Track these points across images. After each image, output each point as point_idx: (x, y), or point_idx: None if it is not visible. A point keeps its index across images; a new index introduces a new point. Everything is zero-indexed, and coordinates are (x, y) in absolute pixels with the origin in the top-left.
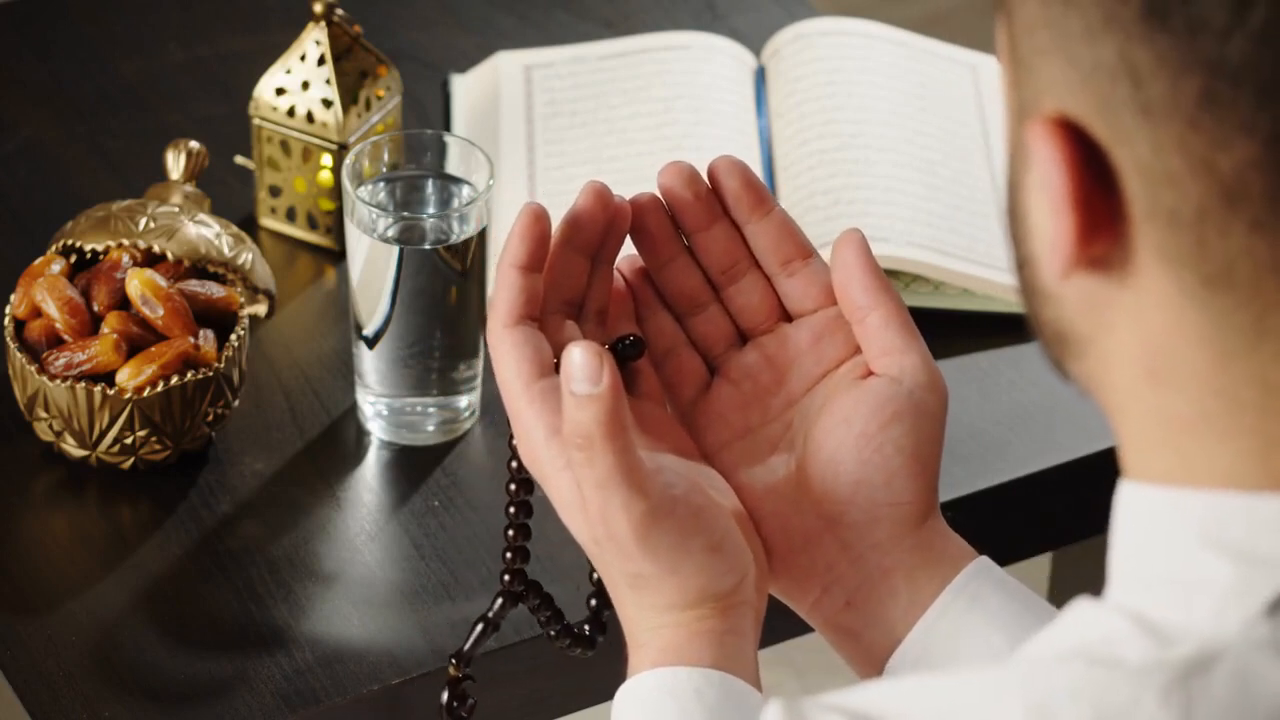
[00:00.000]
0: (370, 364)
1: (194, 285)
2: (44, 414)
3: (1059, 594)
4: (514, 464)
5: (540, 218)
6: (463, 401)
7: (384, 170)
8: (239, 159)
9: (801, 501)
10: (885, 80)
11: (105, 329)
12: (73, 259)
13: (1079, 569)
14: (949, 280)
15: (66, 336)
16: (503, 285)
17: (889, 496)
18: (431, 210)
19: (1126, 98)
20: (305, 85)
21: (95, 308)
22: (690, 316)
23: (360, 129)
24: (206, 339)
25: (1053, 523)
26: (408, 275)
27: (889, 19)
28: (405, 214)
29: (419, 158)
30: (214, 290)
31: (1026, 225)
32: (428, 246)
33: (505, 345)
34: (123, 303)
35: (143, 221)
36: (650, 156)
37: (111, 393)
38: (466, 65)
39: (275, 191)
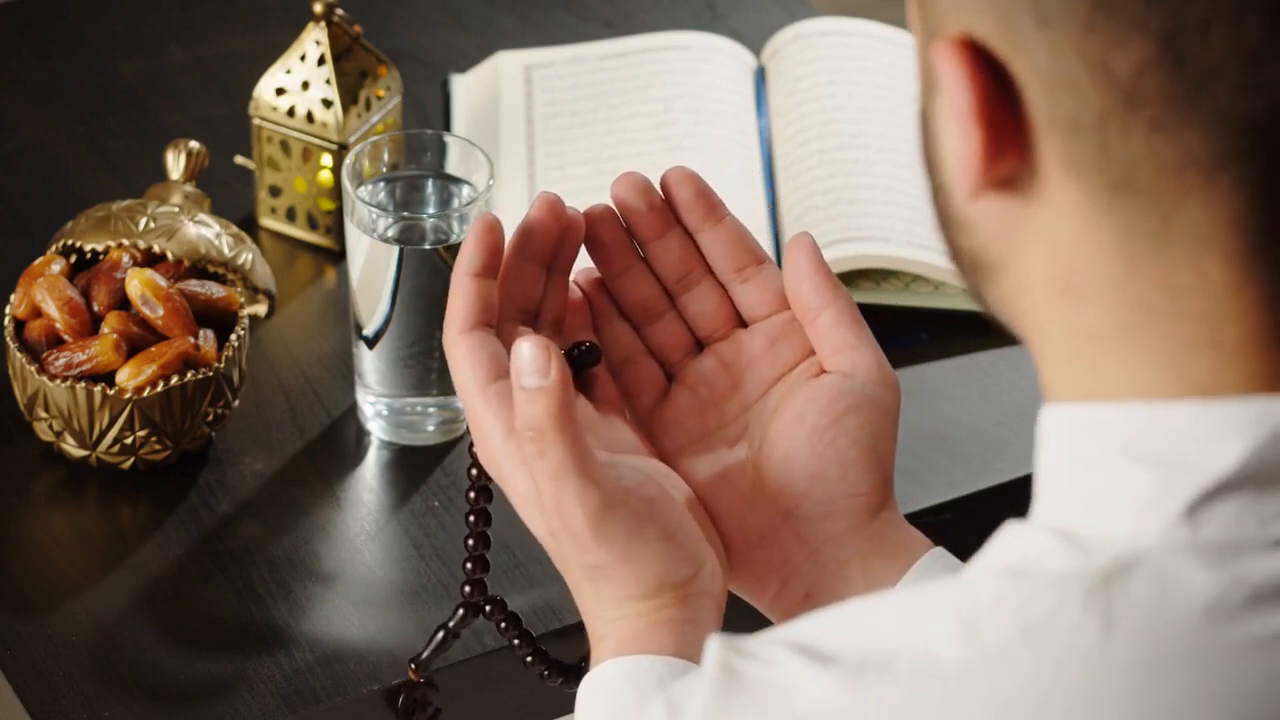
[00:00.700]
0: (370, 364)
1: (194, 285)
2: (44, 414)
3: None
4: (473, 471)
5: (494, 228)
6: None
7: (384, 170)
8: (239, 159)
9: (758, 498)
10: (885, 80)
11: (105, 329)
12: (73, 259)
13: None
14: (949, 280)
15: (66, 336)
16: (457, 292)
17: (844, 489)
18: (431, 210)
19: (1024, 6)
20: (305, 85)
21: (95, 308)
22: (647, 325)
23: (360, 129)
24: (206, 339)
25: None
26: (408, 275)
27: (889, 19)
28: (405, 214)
29: (419, 158)
30: (214, 290)
31: (938, 153)
32: (428, 246)
33: (461, 350)
34: (123, 303)
35: (143, 221)
36: (650, 156)
37: (111, 393)
38: (466, 65)
39: (275, 191)
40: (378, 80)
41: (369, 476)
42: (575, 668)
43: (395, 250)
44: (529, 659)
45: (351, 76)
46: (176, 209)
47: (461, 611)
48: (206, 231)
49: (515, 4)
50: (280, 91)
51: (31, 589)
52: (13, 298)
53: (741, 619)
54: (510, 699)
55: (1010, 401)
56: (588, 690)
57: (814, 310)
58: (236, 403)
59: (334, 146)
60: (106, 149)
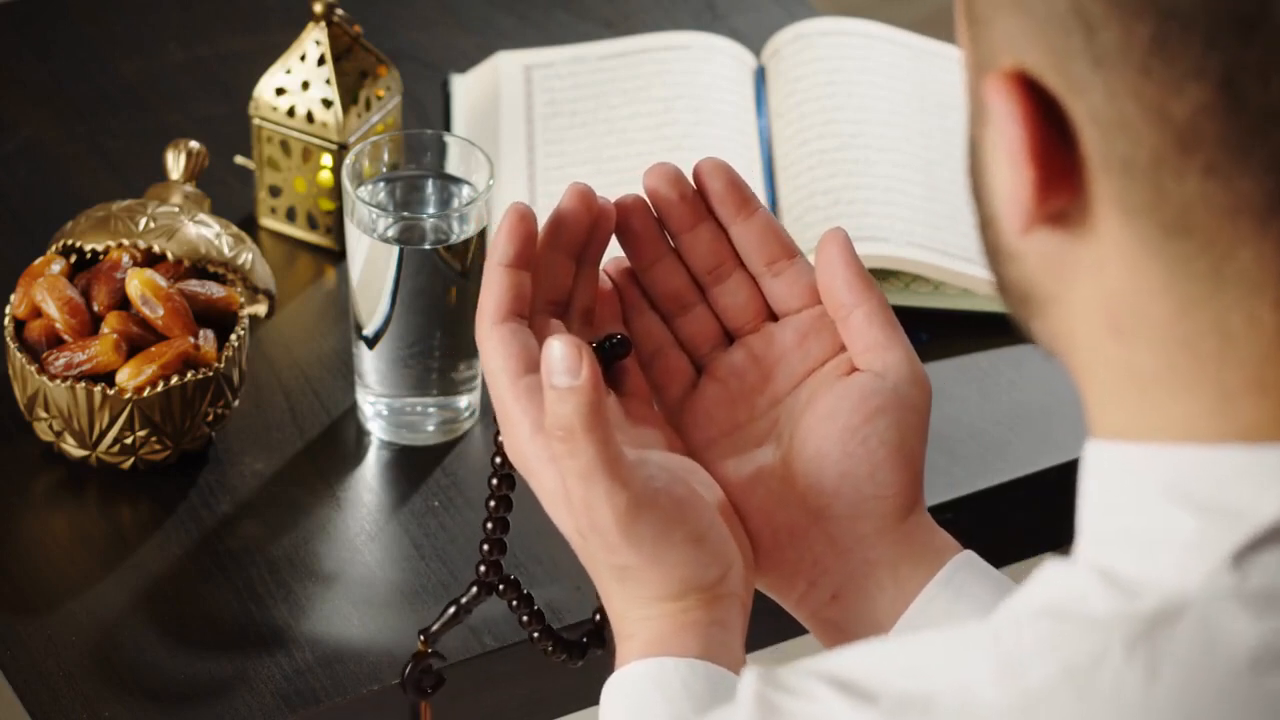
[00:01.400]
0: (370, 364)
1: (194, 285)
2: (44, 414)
3: None
4: (498, 459)
5: (526, 217)
6: (463, 401)
7: (384, 170)
8: (239, 159)
9: (787, 495)
10: (885, 80)
11: (105, 329)
12: (73, 259)
13: None
14: (949, 280)
15: (66, 336)
16: (490, 283)
17: (874, 489)
18: (431, 210)
19: (1080, 47)
20: (305, 85)
21: (95, 308)
22: (677, 317)
23: (360, 129)
24: (206, 339)
25: (1053, 523)
26: (408, 275)
27: (889, 19)
28: (405, 214)
29: (419, 158)
30: (214, 290)
31: (987, 184)
32: (428, 246)
33: (493, 341)
34: (123, 303)
35: (143, 221)
36: (650, 156)
37: (111, 393)
38: (466, 65)
39: (275, 191)
40: (378, 80)
41: (369, 476)
42: (579, 644)
43: (395, 250)
44: (536, 635)
45: (351, 76)
46: (176, 209)
47: (475, 589)
48: (206, 231)
49: (515, 4)
50: (280, 91)
51: (31, 589)
52: (13, 298)
53: (763, 615)
54: (510, 699)
55: (1010, 401)
56: (612, 689)
57: (846, 307)
58: (236, 403)
59: (334, 146)
60: (106, 149)
